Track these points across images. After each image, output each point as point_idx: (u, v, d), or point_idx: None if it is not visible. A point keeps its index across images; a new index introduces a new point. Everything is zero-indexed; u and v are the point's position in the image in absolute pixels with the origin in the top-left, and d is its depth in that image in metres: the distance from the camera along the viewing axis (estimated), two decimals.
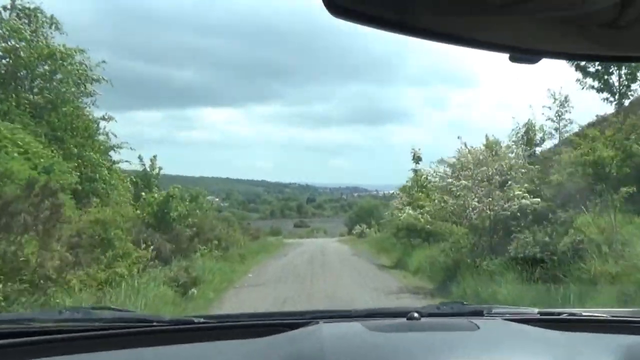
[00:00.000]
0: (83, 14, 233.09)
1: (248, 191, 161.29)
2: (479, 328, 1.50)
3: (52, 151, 12.40)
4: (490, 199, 12.96)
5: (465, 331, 1.51)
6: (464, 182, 13.73)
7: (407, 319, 1.65)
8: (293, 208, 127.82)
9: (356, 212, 65.98)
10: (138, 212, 15.57)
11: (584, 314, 1.87)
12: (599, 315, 1.84)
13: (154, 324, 1.66)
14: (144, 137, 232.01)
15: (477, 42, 0.78)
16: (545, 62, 0.84)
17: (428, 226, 18.90)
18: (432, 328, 1.58)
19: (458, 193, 13.84)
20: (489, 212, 12.95)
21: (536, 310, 1.91)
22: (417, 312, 1.71)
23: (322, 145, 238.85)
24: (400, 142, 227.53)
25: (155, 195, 17.12)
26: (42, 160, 11.49)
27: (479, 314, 1.84)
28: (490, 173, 13.63)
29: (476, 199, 13.30)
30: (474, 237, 13.68)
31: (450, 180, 14.88)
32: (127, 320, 1.72)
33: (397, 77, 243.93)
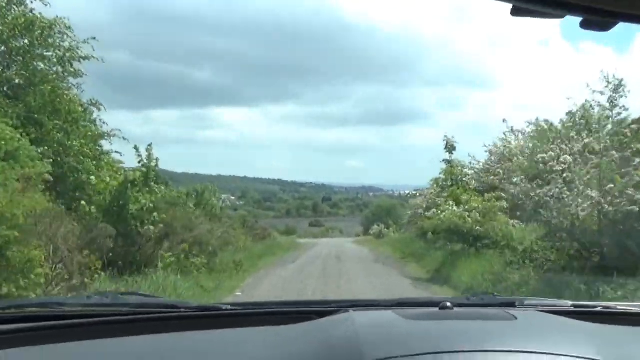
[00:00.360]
0: (102, 15, 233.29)
1: (265, 190, 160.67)
2: (515, 318, 1.44)
3: (21, 135, 10.37)
4: (612, 185, 8.39)
5: (502, 321, 1.44)
6: (567, 157, 9.26)
7: (439, 309, 1.57)
8: (309, 207, 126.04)
9: (373, 211, 63.43)
10: (86, 205, 11.92)
11: (618, 307, 1.79)
12: (634, 309, 1.77)
13: (181, 310, 1.62)
14: (162, 136, 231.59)
15: (549, 2, 0.69)
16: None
17: (478, 227, 14.66)
18: (467, 317, 1.50)
19: (552, 177, 9.37)
20: (607, 207, 8.38)
21: (569, 302, 1.81)
22: (449, 302, 1.61)
23: (338, 145, 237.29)
24: (416, 143, 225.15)
25: (108, 179, 13.32)
26: (3, 144, 9.41)
27: (511, 305, 1.74)
28: (599, 147, 9.14)
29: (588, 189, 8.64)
30: (566, 245, 9.29)
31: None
32: (154, 306, 1.68)
33: (413, 78, 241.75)
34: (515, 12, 0.70)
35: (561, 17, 0.70)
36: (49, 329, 1.44)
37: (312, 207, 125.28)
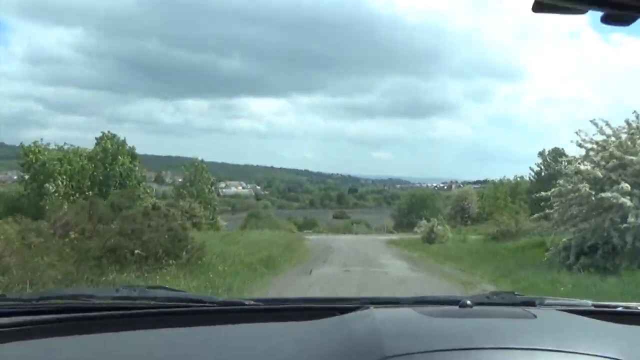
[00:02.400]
0: (134, 5, 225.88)
1: (291, 180, 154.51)
2: (535, 317, 1.38)
3: None
4: None
5: (523, 319, 1.38)
6: None
7: (459, 306, 1.51)
8: (333, 198, 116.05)
9: (406, 202, 52.43)
10: None
11: (639, 307, 1.69)
12: None
13: (207, 304, 1.60)
14: (191, 125, 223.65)
15: None
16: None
17: None
18: (487, 315, 1.43)
19: None
20: None
21: (590, 302, 1.71)
22: (468, 299, 1.56)
23: (365, 137, 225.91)
24: (442, 135, 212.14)
25: None
26: None
27: (531, 304, 1.65)
28: None
29: None
30: None
31: None
32: (180, 300, 1.65)
33: (439, 69, 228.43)
34: (537, 7, 0.69)
35: (582, 12, 0.68)
36: (80, 320, 1.45)
37: (337, 198, 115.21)
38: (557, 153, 42.31)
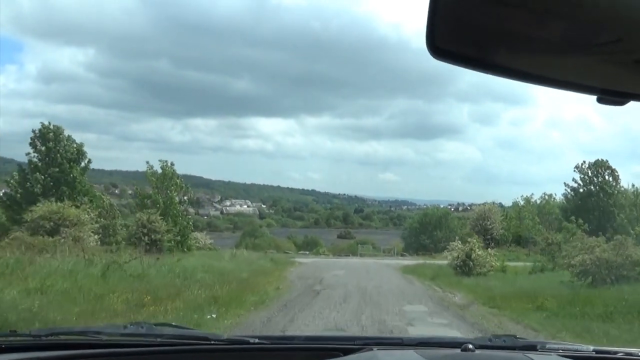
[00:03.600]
0: (143, 26, 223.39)
1: (297, 200, 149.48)
2: None
3: None
4: None
5: None
6: None
7: (461, 350, 1.46)
8: (339, 217, 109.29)
9: (417, 221, 45.62)
10: None
11: None
12: None
13: (212, 342, 1.59)
14: (200, 144, 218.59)
15: (565, 83, 0.75)
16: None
17: None
18: None
19: None
20: None
21: (591, 347, 1.68)
22: (470, 343, 1.51)
23: (372, 158, 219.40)
24: (449, 157, 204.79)
25: None
26: None
27: (532, 348, 1.63)
28: None
29: None
30: None
31: None
32: (187, 337, 1.63)
33: (446, 93, 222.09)
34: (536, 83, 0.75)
35: (580, 93, 0.75)
36: (89, 357, 1.43)
37: (343, 218, 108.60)
38: (600, 165, 35.91)
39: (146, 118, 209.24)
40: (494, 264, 16.08)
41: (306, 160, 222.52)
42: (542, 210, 38.70)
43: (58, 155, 21.28)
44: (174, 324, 1.99)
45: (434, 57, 0.70)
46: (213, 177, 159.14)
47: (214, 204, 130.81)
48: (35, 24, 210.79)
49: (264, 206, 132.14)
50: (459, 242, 17.57)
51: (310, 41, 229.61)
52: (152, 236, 20.17)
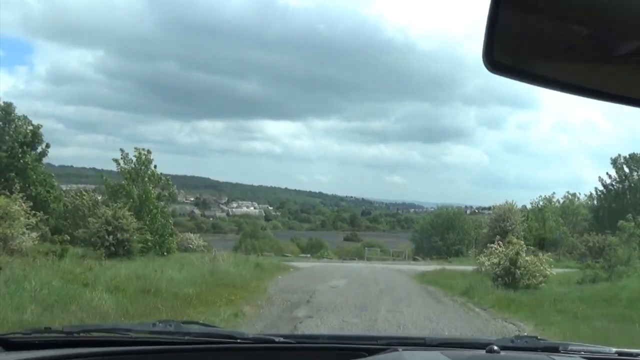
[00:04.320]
0: (153, 29, 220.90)
1: (304, 202, 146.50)
2: None
3: None
4: None
5: None
6: None
7: (486, 352, 1.46)
8: (346, 220, 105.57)
9: (429, 222, 41.83)
10: None
11: None
12: None
13: (238, 340, 1.59)
14: (208, 146, 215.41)
15: (615, 96, 0.74)
16: None
17: None
18: None
19: None
20: None
21: (614, 349, 1.65)
22: (494, 344, 1.50)
23: (379, 161, 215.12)
24: (456, 161, 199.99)
25: None
26: None
27: (555, 350, 1.61)
28: None
29: None
30: None
31: None
32: (214, 336, 1.65)
33: (453, 96, 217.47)
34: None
35: (626, 105, 0.74)
36: (119, 354, 1.44)
37: (350, 220, 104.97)
38: (638, 160, 31.97)
39: (154, 120, 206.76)
40: (548, 272, 12.17)
41: (314, 162, 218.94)
42: (565, 210, 34.80)
43: (7, 137, 17.85)
44: (201, 322, 2.08)
45: (491, 71, 0.70)
46: (221, 179, 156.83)
47: (221, 206, 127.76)
48: (44, 26, 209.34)
49: (270, 208, 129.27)
50: (497, 244, 13.36)
51: (317, 44, 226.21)
52: (119, 235, 16.56)
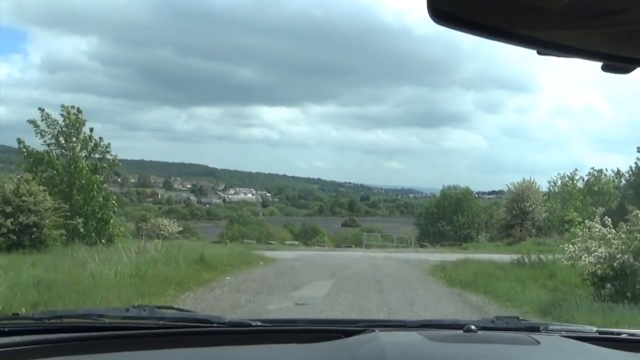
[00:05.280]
0: (147, 15, 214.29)
1: (303, 188, 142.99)
2: (539, 343, 1.28)
3: None
4: None
5: (526, 345, 1.28)
6: None
7: (464, 331, 1.40)
8: (344, 205, 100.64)
9: (435, 205, 36.92)
10: None
11: None
12: None
13: (214, 325, 1.50)
14: (206, 133, 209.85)
15: (570, 49, 0.70)
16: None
17: None
18: (491, 341, 1.34)
19: None
20: None
21: (594, 328, 1.59)
22: (473, 324, 1.45)
23: (378, 146, 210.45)
24: (454, 146, 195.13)
25: None
26: None
27: (535, 329, 1.54)
28: None
29: None
30: None
31: None
32: (189, 320, 1.56)
33: (451, 80, 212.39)
34: (542, 53, 0.70)
35: (584, 59, 0.71)
36: (91, 339, 1.39)
37: (348, 206, 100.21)
38: None
39: (151, 107, 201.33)
40: None
41: (312, 149, 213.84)
42: (591, 189, 29.99)
43: None
44: (176, 306, 2.03)
45: (435, 21, 0.66)
46: (218, 166, 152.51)
47: (218, 192, 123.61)
48: (37, 13, 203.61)
49: (268, 194, 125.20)
50: (596, 220, 7.91)
51: (312, 29, 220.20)
52: (22, 219, 11.69)
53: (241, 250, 14.26)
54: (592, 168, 31.78)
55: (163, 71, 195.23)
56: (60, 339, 1.33)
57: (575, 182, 30.74)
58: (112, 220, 15.51)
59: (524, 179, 28.03)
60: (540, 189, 28.36)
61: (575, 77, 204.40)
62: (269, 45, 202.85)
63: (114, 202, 15.32)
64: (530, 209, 26.73)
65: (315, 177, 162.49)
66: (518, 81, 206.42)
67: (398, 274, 11.02)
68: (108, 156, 15.58)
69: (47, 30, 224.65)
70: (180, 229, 28.47)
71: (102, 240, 14.34)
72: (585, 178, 30.78)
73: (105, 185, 15.49)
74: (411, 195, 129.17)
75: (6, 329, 1.37)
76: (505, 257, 13.96)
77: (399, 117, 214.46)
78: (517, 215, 26.85)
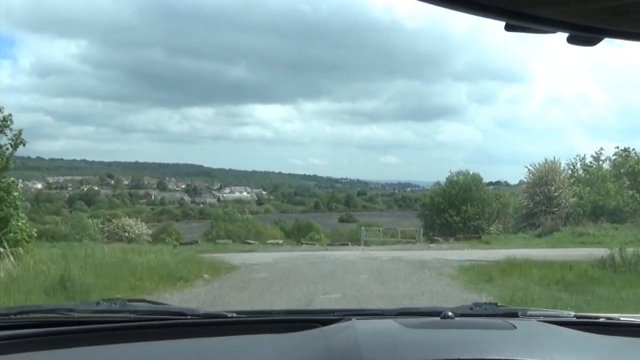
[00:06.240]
0: (134, 17, 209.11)
1: (299, 185, 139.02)
2: (515, 328, 1.27)
3: None
4: None
5: (502, 330, 1.27)
6: None
7: (441, 318, 1.38)
8: (341, 200, 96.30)
9: (440, 194, 32.27)
10: None
11: (621, 318, 1.53)
12: (638, 320, 1.50)
13: (188, 317, 1.45)
14: (200, 133, 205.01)
15: (533, 19, 0.64)
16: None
17: None
18: (467, 326, 1.32)
19: None
20: None
21: (572, 313, 1.57)
22: (450, 311, 1.44)
23: (372, 141, 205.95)
24: (449, 139, 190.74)
25: None
26: None
27: (513, 315, 1.51)
28: None
29: None
30: None
31: None
32: (162, 313, 1.50)
33: (443, 73, 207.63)
34: (509, 28, 0.64)
35: (551, 32, 0.65)
36: (59, 334, 1.31)
37: (345, 201, 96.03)
38: None
39: (144, 109, 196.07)
40: None
41: (307, 145, 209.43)
42: (619, 170, 25.69)
43: None
44: (148, 299, 1.83)
45: None
46: (214, 166, 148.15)
47: (213, 192, 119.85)
48: (25, 17, 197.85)
49: (264, 192, 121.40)
50: None
51: (301, 25, 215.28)
52: None
53: (188, 256, 9.89)
54: (617, 147, 27.44)
55: (154, 72, 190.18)
56: (28, 334, 1.27)
57: (601, 163, 26.42)
58: (21, 222, 11.05)
59: (546, 160, 23.67)
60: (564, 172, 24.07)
61: (567, 66, 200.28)
62: (259, 42, 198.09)
63: (15, 195, 10.85)
64: (556, 194, 22.37)
65: (312, 174, 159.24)
66: (510, 71, 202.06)
67: (421, 290, 6.63)
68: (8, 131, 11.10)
69: (36, 35, 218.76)
70: (150, 232, 24.04)
71: (4, 246, 9.92)
72: (612, 158, 26.44)
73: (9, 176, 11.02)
74: (408, 189, 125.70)
75: None
76: (551, 253, 9.70)
77: (393, 112, 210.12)
78: (540, 202, 22.51)
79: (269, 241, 20.44)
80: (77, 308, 1.48)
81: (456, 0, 0.59)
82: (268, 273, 8.40)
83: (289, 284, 7.15)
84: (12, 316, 1.40)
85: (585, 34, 0.65)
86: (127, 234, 22.25)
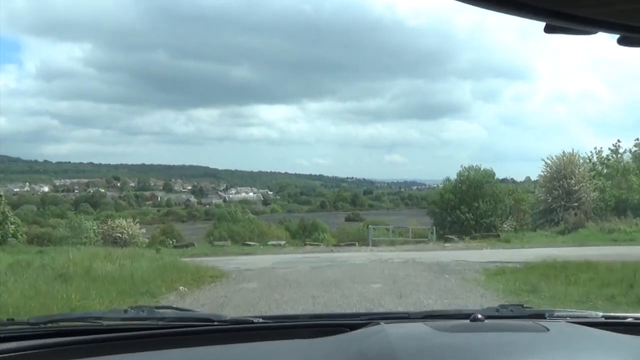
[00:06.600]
0: (137, 19, 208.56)
1: (305, 185, 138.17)
2: (547, 330, 1.24)
3: None
4: None
5: (534, 332, 1.24)
6: None
7: (470, 321, 1.36)
8: (347, 199, 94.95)
9: (450, 190, 30.67)
10: None
11: None
12: None
13: (215, 323, 1.44)
14: (205, 134, 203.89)
15: (584, 20, 0.60)
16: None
17: None
18: (499, 329, 1.30)
19: None
20: None
21: (600, 313, 1.54)
22: (479, 313, 1.41)
23: (377, 140, 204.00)
24: (454, 136, 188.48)
25: None
26: None
27: (541, 316, 1.50)
28: None
29: None
30: None
31: None
32: (189, 320, 1.51)
33: (447, 71, 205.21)
34: (549, 29, 0.61)
35: (593, 33, 0.61)
36: (89, 342, 1.33)
37: (351, 200, 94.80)
38: None
39: (149, 111, 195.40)
40: None
41: (312, 145, 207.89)
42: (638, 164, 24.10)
43: None
44: (175, 306, 1.91)
45: None
46: (220, 167, 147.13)
47: (219, 193, 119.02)
48: (30, 22, 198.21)
49: (270, 193, 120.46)
50: None
51: (304, 25, 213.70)
52: None
53: (170, 262, 8.52)
54: (637, 139, 25.82)
55: (158, 74, 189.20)
56: (58, 343, 1.28)
57: (619, 155, 24.82)
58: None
59: (563, 152, 22.12)
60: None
61: (571, 62, 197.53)
62: (261, 43, 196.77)
63: None
64: (576, 187, 20.83)
65: (317, 174, 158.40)
66: (514, 69, 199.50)
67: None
68: None
69: (41, 39, 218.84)
70: (143, 231, 22.68)
71: None
72: (634, 150, 24.83)
73: None
74: (414, 188, 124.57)
75: (1, 335, 1.33)
76: (585, 252, 8.31)
77: (397, 110, 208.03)
78: (559, 197, 20.97)
79: (270, 242, 19.08)
80: (105, 316, 1.49)
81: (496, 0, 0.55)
82: (260, 282, 7.01)
83: (280, 300, 5.75)
84: (42, 325, 1.41)
85: (637, 34, 0.59)
86: (120, 236, 20.98)
